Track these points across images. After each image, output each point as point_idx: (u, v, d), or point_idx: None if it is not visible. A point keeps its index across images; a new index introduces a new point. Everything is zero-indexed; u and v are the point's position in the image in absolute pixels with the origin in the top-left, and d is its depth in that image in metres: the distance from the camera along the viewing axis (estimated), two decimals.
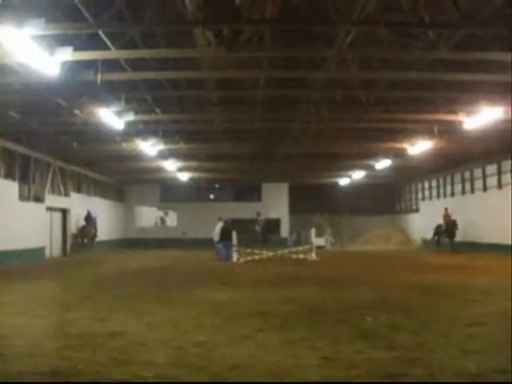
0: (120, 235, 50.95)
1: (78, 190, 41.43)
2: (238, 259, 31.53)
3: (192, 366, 8.08)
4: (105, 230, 45.88)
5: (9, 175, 29.71)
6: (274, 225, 52.20)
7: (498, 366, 7.90)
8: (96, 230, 41.28)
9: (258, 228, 31.17)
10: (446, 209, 40.75)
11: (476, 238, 37.73)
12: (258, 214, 29.90)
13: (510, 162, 35.20)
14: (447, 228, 40.28)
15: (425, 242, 47.53)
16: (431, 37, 16.05)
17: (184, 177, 45.76)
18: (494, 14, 14.25)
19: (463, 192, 42.35)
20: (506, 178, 35.87)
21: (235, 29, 16.34)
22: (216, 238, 33.42)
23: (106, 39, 14.86)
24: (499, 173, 36.71)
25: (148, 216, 54.00)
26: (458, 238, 40.57)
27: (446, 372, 7.73)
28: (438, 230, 41.88)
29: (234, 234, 32.22)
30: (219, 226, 34.21)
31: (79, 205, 40.25)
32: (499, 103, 21.32)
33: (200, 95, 23.09)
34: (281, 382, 7.45)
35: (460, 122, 24.12)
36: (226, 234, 32.55)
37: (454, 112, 23.63)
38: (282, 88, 21.71)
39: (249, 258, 31.73)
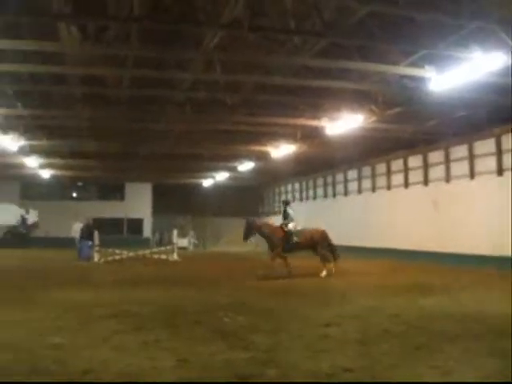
0: None
1: None
2: (99, 259, 31.03)
3: (45, 371, 7.85)
4: None
5: None
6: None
7: (348, 365, 8.15)
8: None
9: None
10: None
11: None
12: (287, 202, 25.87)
13: (369, 167, 36.41)
14: None
15: None
16: (296, 43, 16.33)
17: (46, 174, 44.66)
18: (357, 24, 14.70)
19: (325, 195, 43.38)
20: (366, 183, 37.05)
21: (101, 25, 16.09)
22: (77, 236, 32.88)
23: None
24: (359, 178, 37.90)
25: (7, 214, 52.17)
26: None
27: (299, 372, 7.87)
28: None
29: (96, 234, 31.70)
30: (77, 224, 33.70)
31: None
32: (359, 111, 21.99)
33: (64, 91, 22.57)
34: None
35: (322, 128, 24.70)
36: (87, 234, 32.02)
37: (317, 118, 24.16)
38: (148, 88, 21.51)
39: (110, 258, 31.29)
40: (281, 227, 22.47)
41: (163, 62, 19.15)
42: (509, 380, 7.40)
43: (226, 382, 7.46)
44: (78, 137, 30.99)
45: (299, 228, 22.87)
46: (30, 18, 14.97)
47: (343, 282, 20.04)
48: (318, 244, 22.57)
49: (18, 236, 47.76)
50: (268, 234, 22.49)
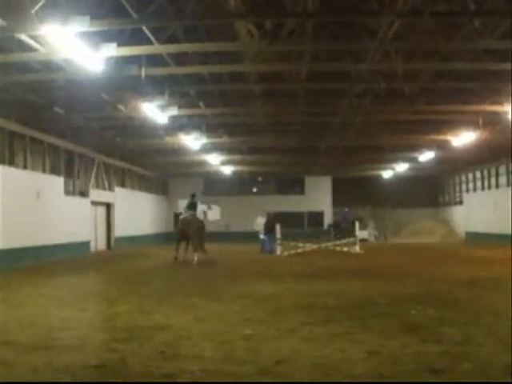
0: (164, 229, 51.15)
1: (122, 185, 41.86)
2: (281, 252, 31.51)
3: (239, 360, 8.06)
4: (149, 224, 46.37)
5: (54, 170, 30.09)
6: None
7: None
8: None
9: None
10: None
11: None
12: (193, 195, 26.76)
13: None
14: None
15: (469, 234, 47.04)
16: (476, 26, 15.84)
17: (227, 170, 45.97)
18: None
19: (508, 184, 41.79)
20: None
21: (277, 22, 16.34)
22: (260, 230, 33.51)
23: (149, 34, 14.95)
24: None
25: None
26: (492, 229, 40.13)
27: (494, 367, 7.57)
28: None
29: (278, 227, 32.19)
30: (260, 219, 34.30)
31: (123, 199, 40.59)
32: None
33: (242, 89, 23.13)
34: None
35: (505, 113, 23.80)
36: (269, 227, 32.56)
37: (500, 103, 23.29)
38: (325, 81, 21.60)
39: (292, 251, 31.69)
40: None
41: (339, 54, 19.18)
42: (509, 380, 6.93)
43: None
44: (256, 133, 31.66)
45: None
46: (208, 20, 15.45)
47: None
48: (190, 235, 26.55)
49: (340, 230, 48.37)
50: None
